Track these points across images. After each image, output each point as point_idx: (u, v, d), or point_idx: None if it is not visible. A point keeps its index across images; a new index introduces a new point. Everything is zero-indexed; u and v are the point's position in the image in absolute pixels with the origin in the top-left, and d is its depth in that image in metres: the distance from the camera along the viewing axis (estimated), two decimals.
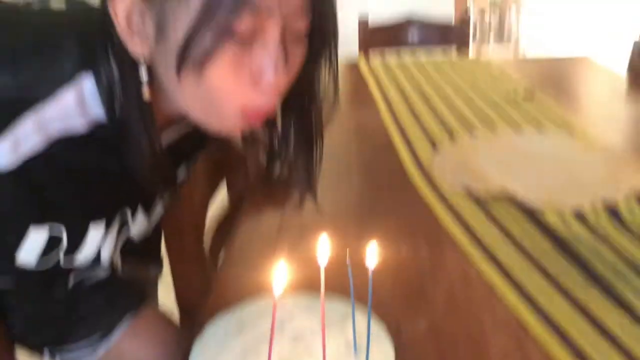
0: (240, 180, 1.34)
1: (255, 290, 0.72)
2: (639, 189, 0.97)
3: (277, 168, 0.83)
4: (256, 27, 0.56)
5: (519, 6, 5.19)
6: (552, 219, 0.87)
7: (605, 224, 0.89)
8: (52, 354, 0.88)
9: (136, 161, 0.65)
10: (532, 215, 0.90)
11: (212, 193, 1.17)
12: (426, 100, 1.55)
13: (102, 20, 0.59)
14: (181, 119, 0.72)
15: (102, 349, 0.85)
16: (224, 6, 0.53)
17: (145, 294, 0.94)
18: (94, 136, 0.63)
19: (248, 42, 0.57)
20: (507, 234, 0.88)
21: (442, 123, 1.37)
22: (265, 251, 0.87)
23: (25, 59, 0.59)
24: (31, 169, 0.61)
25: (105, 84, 0.60)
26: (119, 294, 0.90)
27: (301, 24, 0.60)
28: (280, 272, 0.45)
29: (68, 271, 0.79)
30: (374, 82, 1.75)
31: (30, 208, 0.66)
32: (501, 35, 5.49)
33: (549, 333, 0.67)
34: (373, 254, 0.49)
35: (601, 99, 1.56)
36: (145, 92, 0.61)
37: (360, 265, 0.55)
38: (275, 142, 0.80)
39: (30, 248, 0.68)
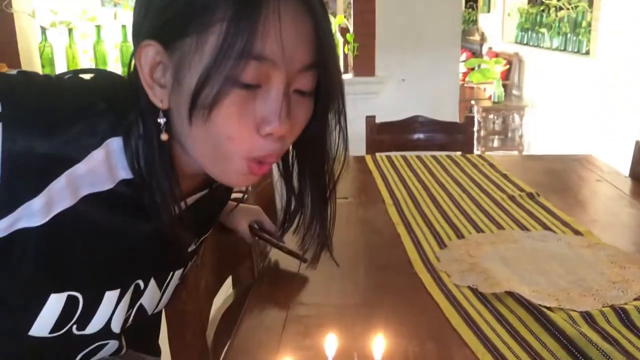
0: (246, 274, 1.34)
1: None
2: None
3: (293, 224, 0.87)
4: (261, 77, 0.61)
5: (522, 108, 5.35)
6: (561, 321, 0.86)
7: (615, 326, 0.88)
8: None
9: (159, 212, 0.68)
10: (539, 315, 0.89)
11: (218, 285, 1.16)
12: (432, 196, 1.57)
13: (129, 81, 0.66)
14: (198, 177, 0.76)
15: None
16: (232, 56, 0.59)
17: None
18: (119, 193, 0.67)
19: (253, 90, 0.62)
20: (515, 333, 0.86)
21: (449, 220, 1.38)
22: (270, 345, 0.85)
23: (62, 126, 0.62)
24: (60, 225, 0.63)
25: (133, 143, 0.66)
26: None
27: (306, 81, 0.65)
28: None
29: (82, 341, 0.77)
30: (380, 177, 1.78)
31: (52, 274, 0.67)
32: (505, 133, 5.62)
33: None
34: (380, 347, 0.48)
35: (605, 198, 1.57)
36: (164, 135, 0.65)
37: None
38: (292, 199, 0.84)
39: (47, 315, 0.69)
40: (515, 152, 5.24)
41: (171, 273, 0.84)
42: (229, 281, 1.36)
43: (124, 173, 0.67)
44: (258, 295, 1.03)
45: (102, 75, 0.72)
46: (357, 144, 2.45)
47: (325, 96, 0.69)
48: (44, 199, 0.60)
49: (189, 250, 0.88)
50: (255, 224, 1.16)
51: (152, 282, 0.80)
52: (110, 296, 0.73)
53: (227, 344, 0.88)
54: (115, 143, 0.66)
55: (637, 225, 1.36)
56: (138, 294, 0.79)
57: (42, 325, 0.69)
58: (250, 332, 0.90)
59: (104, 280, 0.73)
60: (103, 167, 0.65)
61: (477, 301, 0.96)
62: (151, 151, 0.66)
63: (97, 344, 0.77)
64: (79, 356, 0.78)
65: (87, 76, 0.71)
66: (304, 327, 0.91)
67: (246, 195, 1.31)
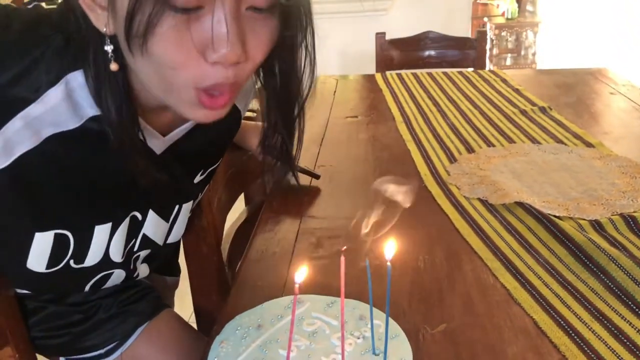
0: (258, 191, 1.36)
1: (272, 292, 0.73)
2: None
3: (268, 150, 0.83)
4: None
5: (536, 24, 5.19)
6: (569, 228, 0.87)
7: (624, 233, 0.89)
8: None
9: (123, 148, 0.63)
10: (548, 224, 0.90)
11: (231, 201, 1.18)
12: (443, 113, 1.56)
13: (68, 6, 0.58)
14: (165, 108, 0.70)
15: (116, 354, 0.86)
16: None
17: (160, 301, 0.96)
18: (87, 130, 0.62)
19: (195, 13, 0.54)
20: (524, 241, 0.88)
21: (459, 135, 1.37)
22: (284, 256, 0.88)
23: (8, 64, 0.58)
24: (25, 167, 0.61)
25: (93, 76, 0.60)
26: (135, 301, 0.91)
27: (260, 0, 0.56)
28: (302, 269, 0.46)
29: (84, 273, 0.79)
30: (390, 95, 1.76)
31: (31, 215, 0.66)
32: (518, 51, 5.49)
33: (567, 339, 0.67)
34: (391, 249, 0.49)
35: (618, 110, 1.55)
36: (113, 65, 0.59)
37: (378, 273, 0.56)
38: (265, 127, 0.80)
39: (37, 254, 0.69)
40: (532, 69, 5.13)
41: (176, 206, 0.83)
42: (242, 198, 1.38)
43: (92, 110, 0.62)
44: (270, 209, 1.05)
45: (68, 4, 0.63)
46: (367, 62, 2.41)
47: (288, 15, 0.61)
48: (1, 141, 0.58)
49: (196, 182, 0.86)
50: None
51: (152, 214, 0.79)
52: (102, 230, 0.72)
53: (242, 257, 0.90)
54: (75, 78, 0.60)
55: None
56: (137, 225, 0.78)
57: (36, 261, 0.70)
58: (264, 244, 0.93)
59: (89, 216, 0.71)
60: (64, 105, 0.60)
61: (487, 212, 0.97)
62: (100, 84, 0.60)
63: (101, 274, 0.78)
64: (88, 286, 0.80)
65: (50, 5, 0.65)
66: (316, 238, 0.93)
67: (256, 114, 1.31)
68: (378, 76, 2.02)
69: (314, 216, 1.02)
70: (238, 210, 1.39)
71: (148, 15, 0.52)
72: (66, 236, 0.69)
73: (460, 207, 1.00)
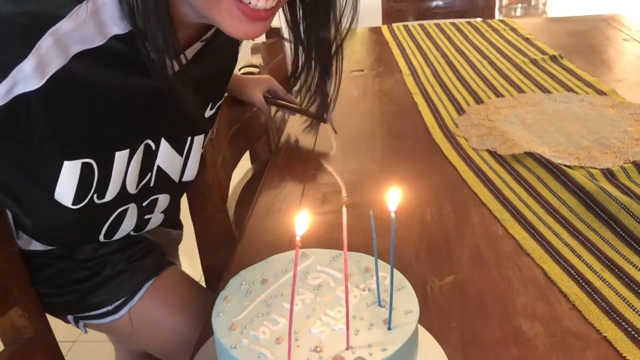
0: (264, 148, 1.35)
1: (278, 248, 0.73)
2: None
3: (300, 79, 0.80)
4: None
5: None
6: (580, 177, 0.85)
7: (636, 181, 0.87)
8: (76, 320, 0.90)
9: (157, 68, 0.64)
10: (559, 173, 0.88)
11: (236, 159, 1.17)
12: (451, 64, 1.52)
13: None
14: (193, 26, 0.71)
15: (124, 311, 0.87)
16: None
17: (165, 257, 0.96)
18: (112, 49, 0.63)
19: None
20: (533, 191, 0.86)
21: (468, 87, 1.34)
22: (290, 212, 0.87)
23: None
24: (55, 89, 0.61)
25: None
26: (141, 257, 0.91)
27: None
28: (302, 218, 0.44)
29: (104, 211, 0.79)
30: (397, 48, 1.72)
31: (59, 139, 0.67)
32: (528, 1, 5.34)
33: (577, 288, 0.66)
34: (395, 198, 0.48)
35: (632, 56, 1.51)
36: None
37: (384, 225, 0.55)
38: (299, 54, 0.78)
39: (65, 184, 0.69)
40: (544, 17, 5.01)
41: (189, 138, 0.83)
42: (248, 156, 1.37)
43: (116, 28, 0.63)
44: (276, 166, 1.04)
45: None
46: (373, 15, 2.35)
47: None
48: (34, 60, 0.58)
49: (207, 116, 0.86)
50: (268, 93, 1.15)
51: (165, 143, 0.80)
52: (121, 156, 0.73)
53: (248, 213, 0.90)
54: None
55: None
56: (150, 155, 0.78)
57: (64, 193, 0.70)
58: (270, 201, 0.92)
59: (111, 141, 0.72)
60: (90, 22, 0.61)
61: (496, 163, 0.96)
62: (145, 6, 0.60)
63: (118, 210, 0.79)
64: (103, 230, 0.81)
65: None
66: (322, 194, 0.92)
67: (258, 70, 1.29)
68: (384, 28, 1.97)
69: (320, 171, 1.00)
70: (245, 168, 1.39)
71: None
72: (91, 165, 0.70)
73: (468, 158, 0.98)
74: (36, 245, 0.83)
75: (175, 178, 0.85)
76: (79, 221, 0.76)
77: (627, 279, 0.67)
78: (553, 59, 1.48)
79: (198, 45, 0.75)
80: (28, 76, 0.58)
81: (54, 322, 0.85)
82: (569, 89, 1.28)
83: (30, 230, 0.81)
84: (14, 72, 0.58)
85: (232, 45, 0.88)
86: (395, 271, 0.55)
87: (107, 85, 0.66)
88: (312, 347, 0.47)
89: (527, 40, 1.69)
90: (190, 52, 0.74)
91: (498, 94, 1.28)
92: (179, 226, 1.09)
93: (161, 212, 0.88)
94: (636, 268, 0.68)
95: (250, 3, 0.60)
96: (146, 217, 0.86)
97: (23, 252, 0.82)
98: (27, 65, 0.58)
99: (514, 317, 0.63)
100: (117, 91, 0.68)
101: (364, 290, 0.54)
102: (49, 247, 0.85)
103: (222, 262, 0.99)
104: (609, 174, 0.89)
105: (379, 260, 0.55)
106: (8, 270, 0.73)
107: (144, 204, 0.83)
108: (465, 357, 0.58)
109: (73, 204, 0.72)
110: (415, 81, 1.41)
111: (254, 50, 1.40)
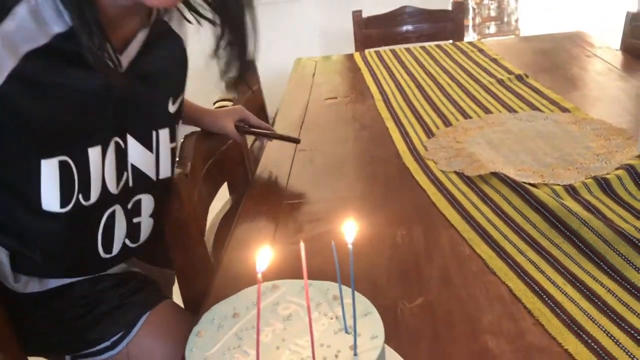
0: (242, 179, 1.37)
1: (254, 280, 0.75)
2: (630, 160, 0.98)
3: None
4: None
5: None
6: (543, 195, 0.88)
7: (597, 196, 0.90)
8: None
9: (100, 64, 0.67)
10: (523, 192, 0.91)
11: (213, 193, 1.19)
12: (421, 88, 1.56)
13: None
14: (128, 21, 0.75)
15: (122, 346, 0.88)
16: None
17: (160, 292, 0.97)
18: (57, 48, 0.66)
19: None
20: (499, 210, 0.89)
21: (437, 110, 1.38)
22: (265, 244, 0.89)
23: None
24: (12, 91, 0.64)
25: None
26: (135, 292, 0.93)
27: None
28: (263, 253, 0.47)
29: (92, 214, 0.82)
30: (369, 74, 1.77)
31: (28, 137, 0.70)
32: (501, 18, 5.46)
33: (541, 304, 0.68)
34: (351, 229, 0.50)
35: (595, 73, 1.56)
36: None
37: (355, 253, 0.57)
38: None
39: (49, 184, 0.72)
40: (512, 37, 5.11)
41: (153, 132, 0.86)
42: (226, 187, 1.39)
43: (57, 27, 0.66)
44: (251, 198, 1.06)
45: None
46: (346, 41, 2.40)
47: None
48: None
49: (172, 112, 0.89)
50: (241, 123, 1.18)
51: (132, 140, 0.83)
52: (94, 153, 0.76)
53: (225, 245, 0.92)
54: None
55: (626, 97, 1.36)
56: (122, 153, 0.82)
57: (50, 196, 0.73)
58: (246, 233, 0.94)
59: (79, 137, 0.74)
60: (30, 21, 0.64)
61: (463, 184, 0.99)
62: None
63: (106, 213, 0.81)
64: (99, 237, 0.83)
65: None
66: (297, 223, 0.95)
67: (232, 103, 1.32)
68: (357, 55, 2.02)
69: (295, 201, 1.03)
70: (225, 197, 1.41)
71: None
72: (68, 163, 0.73)
73: (437, 181, 1.01)
74: (34, 287, 0.85)
75: (152, 176, 0.88)
76: (74, 230, 0.79)
77: (588, 293, 0.70)
78: (519, 78, 1.53)
79: (141, 36, 0.79)
80: None
81: None
82: (534, 107, 1.32)
83: (41, 263, 0.82)
84: None
85: (177, 44, 0.91)
86: (362, 297, 0.58)
87: (61, 83, 0.69)
88: None
89: (494, 60, 1.74)
90: (135, 45, 0.78)
91: (466, 116, 1.31)
92: (170, 265, 1.11)
93: (150, 216, 0.91)
94: (596, 281, 0.71)
95: None
96: (135, 220, 0.88)
97: (18, 296, 0.84)
98: None
99: (481, 336, 0.65)
100: (71, 88, 0.71)
101: (331, 319, 0.57)
102: (45, 288, 0.86)
103: (201, 295, 1.01)
104: (571, 190, 0.92)
105: (347, 288, 0.57)
106: None
107: (129, 206, 0.86)
108: None
109: (61, 207, 0.74)
110: (387, 106, 1.45)
111: (229, 85, 1.43)
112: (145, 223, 0.91)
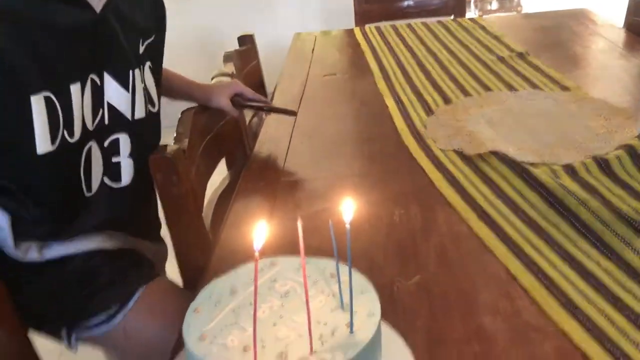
0: (240, 155, 1.36)
1: (252, 256, 0.75)
2: (629, 140, 0.97)
3: None
4: None
5: None
6: (542, 175, 0.88)
7: (596, 176, 0.90)
8: (69, 334, 0.91)
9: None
10: (522, 172, 0.91)
11: (211, 169, 1.19)
12: (421, 65, 1.55)
13: None
14: None
15: (118, 320, 0.89)
16: None
17: (154, 269, 0.98)
18: None
19: None
20: (498, 190, 0.89)
21: (437, 87, 1.37)
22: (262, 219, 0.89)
23: None
24: None
25: None
26: (129, 267, 0.93)
27: None
28: (260, 230, 0.47)
29: (75, 150, 0.84)
30: (369, 50, 1.75)
31: (13, 73, 0.73)
32: None
33: (537, 283, 0.69)
34: (349, 209, 0.50)
35: (597, 51, 1.55)
36: None
37: (352, 231, 0.57)
38: None
39: (39, 121, 0.76)
40: (515, 14, 5.06)
41: (130, 72, 0.90)
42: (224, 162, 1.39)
43: None
44: (249, 174, 1.06)
45: None
46: (346, 16, 2.38)
47: None
48: None
49: (140, 52, 0.93)
50: (237, 97, 1.17)
51: (108, 78, 0.86)
52: (75, 91, 0.80)
53: (223, 221, 0.92)
54: None
55: (627, 76, 1.35)
56: (99, 91, 0.85)
57: (42, 134, 0.76)
58: (244, 209, 0.94)
59: (60, 72, 0.78)
60: None
61: (462, 163, 0.98)
62: None
63: (84, 150, 0.85)
64: (82, 175, 0.86)
65: None
66: (295, 199, 0.94)
67: (231, 78, 1.31)
68: (357, 30, 2.00)
69: (293, 177, 1.03)
70: (224, 173, 1.40)
71: None
72: (51, 99, 0.77)
73: (436, 159, 1.01)
74: (33, 255, 0.87)
75: (128, 115, 0.91)
76: (61, 170, 0.82)
77: (585, 273, 0.70)
78: (520, 56, 1.52)
79: None
80: None
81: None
82: (534, 85, 1.31)
83: (32, 210, 0.84)
84: None
85: None
86: (359, 275, 0.58)
87: (37, 18, 0.74)
88: (277, 353, 0.49)
89: (496, 38, 1.72)
90: None
91: (466, 94, 1.31)
92: (161, 241, 1.11)
93: (129, 156, 0.93)
94: (592, 260, 0.71)
95: None
96: (114, 160, 0.91)
97: (18, 265, 0.84)
98: None
99: (477, 314, 0.65)
100: (48, 23, 0.76)
101: (328, 296, 0.57)
102: (44, 259, 0.88)
103: (199, 271, 1.01)
104: (570, 170, 0.92)
105: (344, 266, 0.57)
106: None
107: (105, 144, 0.89)
108: (430, 356, 0.61)
109: (52, 143, 0.78)
110: (387, 83, 1.44)
111: (226, 58, 1.42)
112: (125, 162, 0.93)
